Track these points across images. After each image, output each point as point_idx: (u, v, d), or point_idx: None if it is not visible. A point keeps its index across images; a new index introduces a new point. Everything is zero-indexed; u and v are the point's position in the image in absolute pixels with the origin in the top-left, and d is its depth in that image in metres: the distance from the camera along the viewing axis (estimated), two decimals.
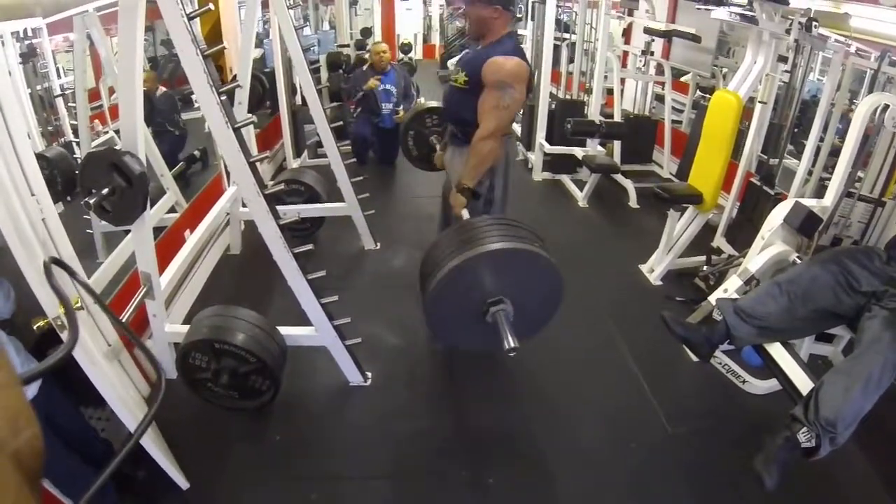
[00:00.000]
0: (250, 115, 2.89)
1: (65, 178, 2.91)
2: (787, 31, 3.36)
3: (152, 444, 2.17)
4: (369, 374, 3.00)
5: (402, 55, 9.63)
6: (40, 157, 2.86)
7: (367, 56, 6.78)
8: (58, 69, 3.09)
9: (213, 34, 4.57)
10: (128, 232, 2.31)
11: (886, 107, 2.45)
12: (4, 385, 0.49)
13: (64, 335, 1.70)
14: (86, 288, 1.72)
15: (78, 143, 3.16)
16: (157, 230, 3.21)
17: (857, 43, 3.27)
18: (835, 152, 2.97)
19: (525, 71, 2.59)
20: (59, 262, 1.57)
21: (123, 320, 2.36)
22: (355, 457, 2.61)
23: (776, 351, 2.34)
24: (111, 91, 3.40)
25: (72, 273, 1.67)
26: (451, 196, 2.77)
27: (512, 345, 2.01)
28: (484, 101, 2.61)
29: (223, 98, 2.11)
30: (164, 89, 4.35)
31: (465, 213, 2.68)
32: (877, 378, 1.93)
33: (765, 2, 3.30)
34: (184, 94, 4.40)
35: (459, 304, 2.14)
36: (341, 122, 4.56)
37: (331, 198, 4.36)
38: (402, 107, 6.05)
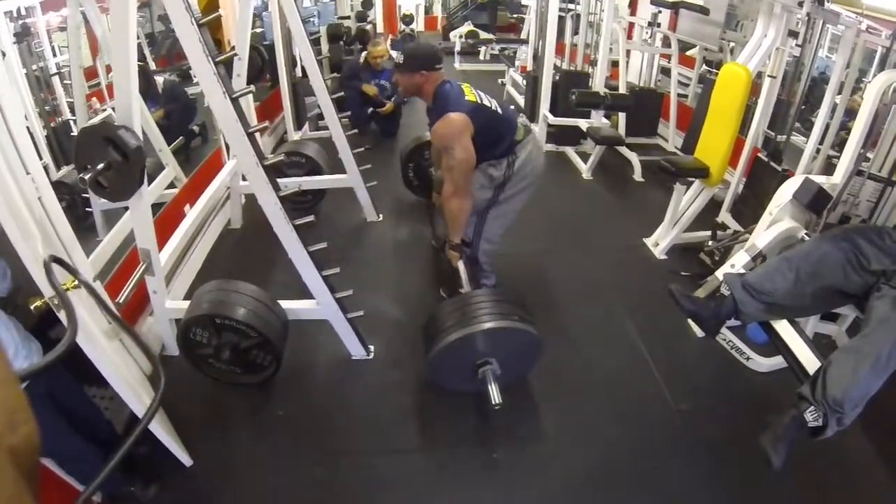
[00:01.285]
0: (249, 86, 2.85)
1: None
2: (800, 4, 3.28)
3: (155, 423, 2.17)
4: (372, 348, 3.00)
5: (403, 26, 9.51)
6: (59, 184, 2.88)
7: (367, 28, 6.69)
8: (53, 48, 3.04)
9: (211, 5, 4.50)
10: (127, 209, 2.28)
11: None
12: (1, 381, 0.48)
13: (61, 315, 1.68)
14: (87, 287, 1.71)
15: (75, 122, 3.11)
16: (157, 206, 3.19)
17: (869, 20, 3.20)
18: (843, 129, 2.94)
19: (460, 123, 2.66)
20: (58, 261, 1.56)
21: (123, 297, 2.34)
22: (358, 431, 2.61)
23: (783, 328, 2.32)
24: (109, 69, 3.35)
25: (73, 272, 1.65)
26: (446, 251, 3.01)
27: (497, 400, 2.41)
28: (442, 165, 2.83)
29: (220, 69, 2.06)
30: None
31: (461, 265, 2.96)
32: (885, 358, 1.91)
33: None
34: (183, 70, 4.35)
35: (456, 364, 2.54)
36: (342, 94, 4.52)
37: (332, 170, 4.33)
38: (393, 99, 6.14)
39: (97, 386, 2.32)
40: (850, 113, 3.28)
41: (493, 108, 2.84)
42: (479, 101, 2.80)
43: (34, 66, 2.91)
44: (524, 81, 6.83)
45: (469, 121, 2.67)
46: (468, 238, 3.04)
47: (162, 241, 2.66)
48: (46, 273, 1.44)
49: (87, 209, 3.07)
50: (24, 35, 2.79)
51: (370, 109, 6.18)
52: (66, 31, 3.09)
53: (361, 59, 6.18)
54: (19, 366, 1.76)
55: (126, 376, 1.98)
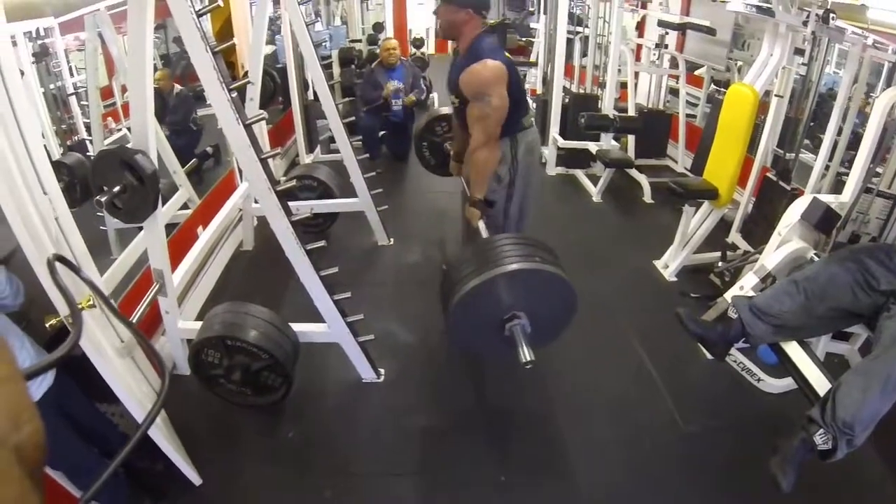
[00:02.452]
0: (261, 111, 2.90)
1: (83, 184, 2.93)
2: (804, 23, 3.31)
3: (164, 440, 2.18)
4: (382, 371, 3.00)
5: (414, 50, 9.59)
6: (59, 164, 2.90)
7: (378, 52, 6.76)
8: (70, 68, 3.10)
9: (225, 31, 4.59)
10: (141, 228, 2.32)
11: None
12: (6, 379, 0.49)
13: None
14: (90, 285, 1.72)
15: (91, 141, 3.17)
16: (170, 227, 3.23)
17: (875, 35, 3.21)
18: (852, 146, 2.93)
19: (499, 71, 2.61)
20: (63, 260, 1.58)
21: (136, 317, 2.37)
22: (368, 453, 2.61)
23: (792, 350, 2.30)
24: (124, 89, 3.42)
25: (76, 270, 1.67)
26: (466, 210, 2.87)
27: (528, 357, 2.17)
28: (469, 114, 2.71)
29: (234, 95, 2.11)
30: (179, 87, 4.38)
31: (482, 225, 2.77)
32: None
33: None
34: (196, 91, 4.42)
35: (480, 319, 2.30)
36: (353, 118, 4.57)
37: (344, 193, 4.36)
38: (412, 93, 6.11)
39: (108, 402, 2.34)
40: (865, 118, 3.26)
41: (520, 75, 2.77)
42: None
43: (51, 86, 2.97)
44: (534, 105, 6.88)
45: (507, 71, 2.63)
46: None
47: (175, 261, 2.70)
48: (49, 271, 1.45)
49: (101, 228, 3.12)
50: (42, 55, 2.86)
51: (381, 133, 6.20)
52: (84, 51, 3.15)
53: (374, 64, 6.17)
54: (33, 386, 1.79)
55: (135, 392, 2.01)
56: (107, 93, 3.36)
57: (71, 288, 1.52)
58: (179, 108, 4.41)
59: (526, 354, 2.18)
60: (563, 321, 2.50)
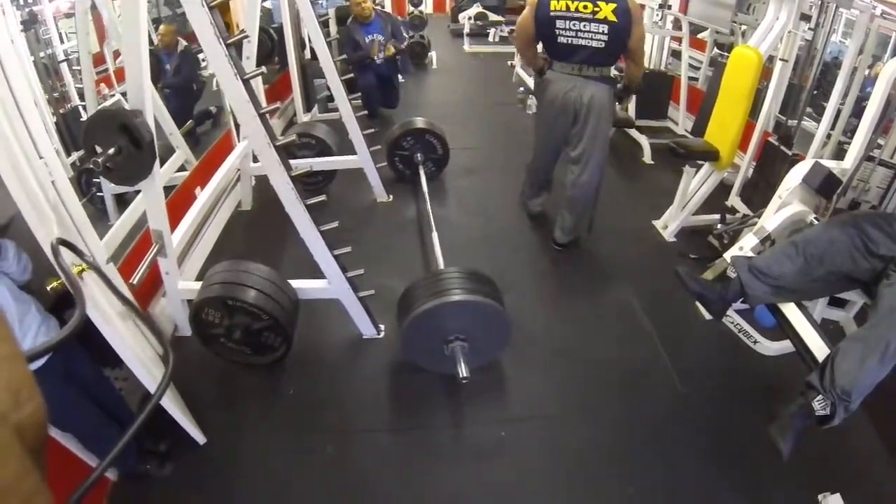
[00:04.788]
0: (259, 67, 2.85)
1: None
2: None
3: (169, 402, 2.20)
4: (382, 327, 3.02)
5: (412, 8, 9.41)
6: None
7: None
8: (60, 35, 3.03)
9: None
10: (139, 192, 2.31)
11: None
12: (7, 357, 0.49)
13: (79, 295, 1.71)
14: (95, 270, 1.73)
15: (84, 108, 3.12)
16: (168, 188, 3.21)
17: (884, 5, 3.15)
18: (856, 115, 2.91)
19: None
20: (67, 244, 1.58)
21: (137, 278, 2.37)
22: (369, 409, 2.65)
23: (791, 312, 2.32)
24: (116, 54, 3.35)
25: (79, 253, 1.68)
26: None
27: (464, 374, 2.44)
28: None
29: (231, 51, 2.07)
30: (184, 43, 4.28)
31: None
32: (894, 347, 1.91)
33: None
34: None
35: (427, 338, 2.57)
36: (352, 75, 4.51)
37: (342, 151, 4.34)
38: (391, 43, 5.99)
39: (111, 366, 2.36)
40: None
41: (570, 27, 3.15)
42: (561, 8, 3.13)
43: (41, 54, 2.91)
44: None
45: (537, 2, 3.18)
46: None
47: (174, 223, 2.68)
48: (54, 255, 1.46)
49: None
50: (31, 23, 2.79)
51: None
52: (75, 17, 3.08)
53: (350, 21, 5.99)
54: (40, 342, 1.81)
55: (140, 355, 2.02)
56: (98, 59, 3.29)
57: (67, 259, 1.52)
58: (183, 67, 4.33)
59: (463, 371, 2.44)
60: (498, 345, 2.72)
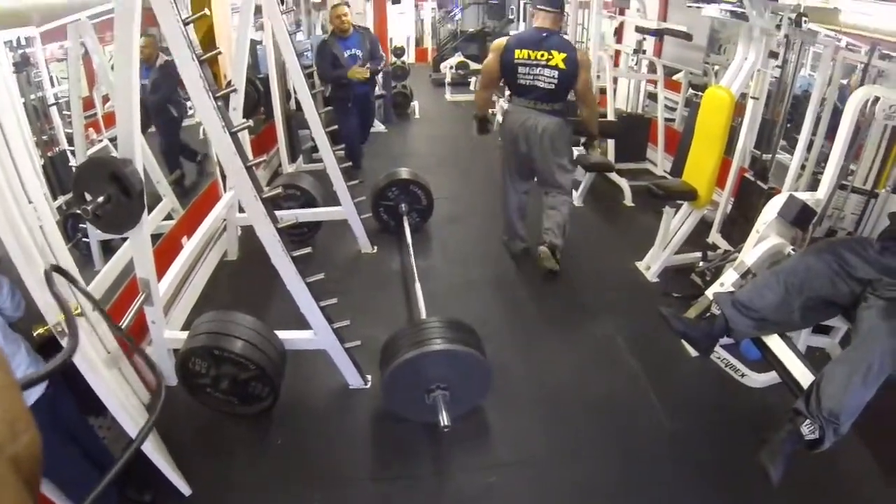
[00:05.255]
0: (247, 120, 2.90)
1: None
2: (778, 27, 3.38)
3: (154, 451, 2.17)
4: (369, 377, 3.00)
5: (395, 59, 9.63)
6: None
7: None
8: (51, 78, 3.07)
9: (207, 40, 4.58)
10: (125, 239, 2.32)
11: (877, 99, 2.47)
12: (3, 387, 0.49)
13: (64, 341, 1.71)
14: (85, 294, 1.73)
15: (73, 152, 3.15)
16: (154, 236, 3.21)
17: (848, 37, 3.29)
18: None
19: (497, 43, 3.96)
20: (59, 269, 1.58)
21: (122, 327, 2.36)
22: (356, 459, 2.61)
23: (775, 344, 2.35)
24: (105, 99, 3.39)
25: (72, 280, 1.68)
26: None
27: (445, 423, 2.43)
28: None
29: (219, 103, 2.12)
30: (165, 58, 4.04)
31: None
32: (877, 367, 1.95)
33: None
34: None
35: (409, 387, 2.57)
36: (336, 127, 4.59)
37: (327, 202, 4.38)
38: (368, 65, 5.78)
39: (94, 414, 2.33)
40: None
41: (529, 71, 3.79)
42: (523, 57, 3.78)
43: (32, 96, 2.94)
44: None
45: (503, 46, 3.86)
46: None
47: (160, 271, 2.68)
48: (47, 282, 1.46)
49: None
50: (23, 65, 2.82)
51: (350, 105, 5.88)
52: (67, 61, 3.12)
53: (328, 36, 5.85)
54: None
55: (124, 403, 2.00)
56: (87, 104, 3.32)
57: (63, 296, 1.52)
58: (161, 84, 4.13)
59: (444, 420, 2.43)
60: (479, 393, 2.73)
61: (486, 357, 2.58)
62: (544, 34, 3.75)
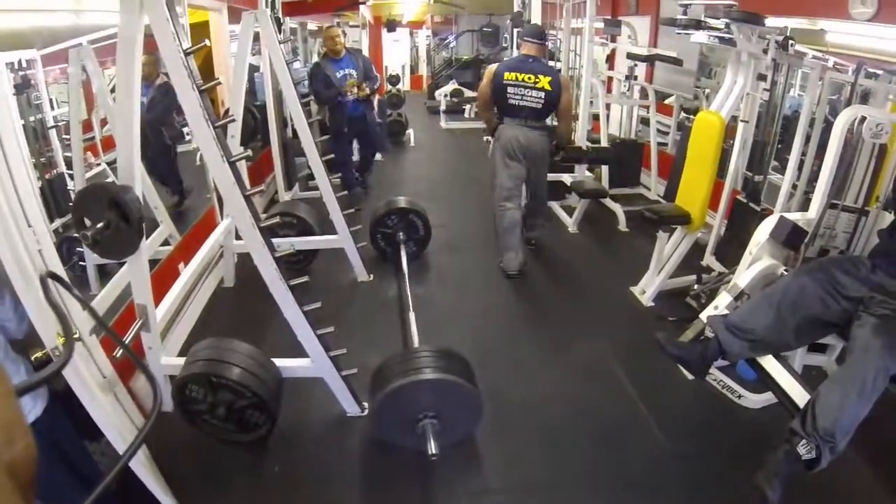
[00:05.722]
0: (246, 149, 2.93)
1: None
2: (765, 51, 3.44)
3: (148, 476, 2.16)
4: (366, 405, 2.97)
5: (390, 87, 9.75)
6: None
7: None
8: (51, 100, 3.10)
9: (205, 67, 4.63)
10: (122, 263, 2.33)
11: (864, 118, 2.51)
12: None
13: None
14: (83, 304, 1.73)
15: (71, 175, 3.16)
16: (152, 262, 3.21)
17: (834, 57, 3.35)
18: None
19: (488, 70, 4.52)
20: (55, 277, 1.59)
21: (119, 354, 2.35)
22: (354, 487, 2.59)
23: (770, 364, 2.36)
24: (103, 122, 3.41)
25: (68, 287, 1.68)
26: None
27: (433, 451, 2.40)
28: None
29: (218, 132, 2.15)
30: (164, 79, 4.01)
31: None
32: (871, 384, 1.95)
33: (741, 24, 3.38)
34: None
35: (398, 416, 2.55)
36: (333, 155, 4.63)
37: (323, 230, 4.40)
38: (365, 84, 5.89)
39: (89, 440, 2.32)
40: None
41: (518, 92, 4.33)
42: (512, 79, 4.32)
43: (31, 118, 2.95)
44: None
45: (493, 72, 4.41)
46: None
47: (157, 297, 2.68)
48: (43, 289, 1.46)
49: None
50: (23, 87, 2.84)
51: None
52: (68, 85, 3.14)
53: (322, 58, 6.00)
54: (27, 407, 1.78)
55: (119, 427, 1.99)
56: (86, 126, 3.33)
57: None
58: (159, 102, 4.12)
59: (432, 448, 2.41)
60: (471, 423, 2.70)
61: (476, 387, 2.56)
62: (531, 60, 4.33)
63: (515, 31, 6.14)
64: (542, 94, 4.28)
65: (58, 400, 1.96)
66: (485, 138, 7.81)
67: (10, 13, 2.71)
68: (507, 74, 4.29)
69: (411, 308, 3.67)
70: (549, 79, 4.27)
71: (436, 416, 2.51)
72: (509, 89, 4.30)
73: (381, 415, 2.57)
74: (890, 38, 3.29)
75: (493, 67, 4.44)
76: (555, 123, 4.86)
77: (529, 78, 4.26)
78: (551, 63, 6.02)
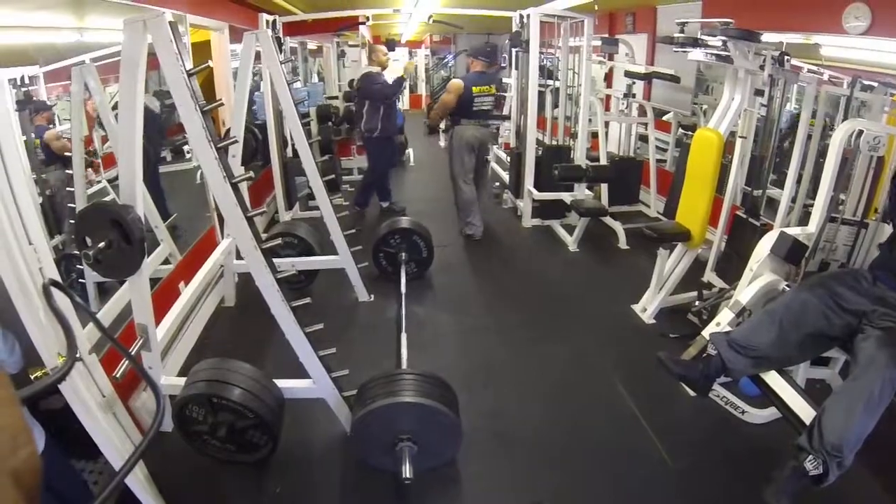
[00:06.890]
0: (248, 170, 2.95)
1: None
2: (761, 67, 3.47)
3: (146, 496, 2.14)
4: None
5: None
6: None
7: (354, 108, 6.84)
8: (55, 116, 3.10)
9: (206, 86, 4.66)
10: (122, 281, 2.32)
11: (861, 132, 2.52)
12: (4, 403, 0.50)
13: (62, 386, 1.69)
14: (86, 311, 1.73)
15: (72, 193, 3.16)
16: (152, 281, 3.21)
17: (830, 71, 3.38)
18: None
19: (457, 83, 5.56)
20: (58, 285, 1.59)
21: (119, 372, 2.34)
22: None
23: (773, 380, 2.35)
24: (104, 139, 3.43)
25: (70, 295, 1.67)
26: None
27: (407, 475, 2.38)
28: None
29: (220, 152, 2.16)
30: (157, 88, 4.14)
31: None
32: (877, 397, 1.95)
33: (738, 41, 3.41)
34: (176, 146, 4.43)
35: (376, 436, 2.55)
36: (333, 175, 4.64)
37: (324, 250, 4.40)
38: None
39: (86, 459, 2.30)
40: None
41: (479, 100, 5.53)
42: (476, 91, 5.50)
43: (33, 135, 2.95)
44: (508, 158, 7.04)
45: (462, 86, 5.46)
46: None
47: (158, 317, 2.68)
48: (45, 296, 1.45)
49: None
50: (25, 103, 2.84)
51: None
52: (70, 102, 3.14)
53: (377, 71, 6.26)
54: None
55: (118, 447, 1.98)
56: (86, 142, 3.34)
57: (58, 335, 1.53)
58: (151, 123, 4.02)
59: (406, 472, 2.39)
60: (450, 448, 2.67)
61: (457, 413, 2.53)
62: (483, 74, 5.59)
63: (514, 51, 6.22)
64: (492, 99, 5.64)
65: (53, 423, 1.94)
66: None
67: (13, 30, 2.74)
68: (474, 88, 5.46)
69: (404, 329, 3.67)
70: (493, 87, 5.60)
71: (413, 440, 2.50)
72: (475, 99, 5.48)
73: (359, 436, 2.56)
74: (884, 51, 3.32)
75: (459, 82, 5.53)
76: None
77: (486, 88, 5.53)
78: (550, 81, 6.29)
